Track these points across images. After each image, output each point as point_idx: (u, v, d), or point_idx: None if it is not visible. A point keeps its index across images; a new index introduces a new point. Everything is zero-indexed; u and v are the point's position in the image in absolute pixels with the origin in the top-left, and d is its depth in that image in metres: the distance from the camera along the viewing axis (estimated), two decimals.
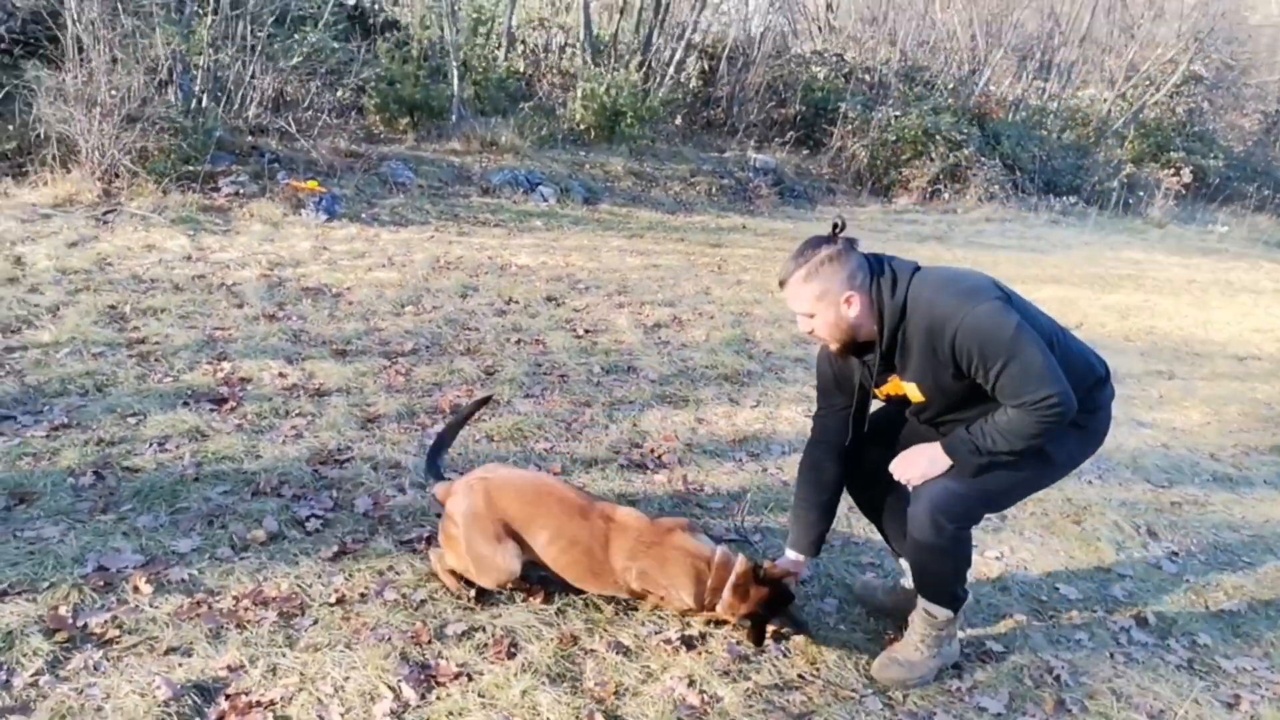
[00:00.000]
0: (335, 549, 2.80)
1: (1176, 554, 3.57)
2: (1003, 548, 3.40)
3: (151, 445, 3.27)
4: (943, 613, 2.49)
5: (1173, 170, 16.53)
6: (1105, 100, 18.05)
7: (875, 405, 2.53)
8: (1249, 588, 3.35)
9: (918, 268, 2.25)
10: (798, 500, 2.61)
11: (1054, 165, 15.69)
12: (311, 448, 3.42)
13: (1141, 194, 15.93)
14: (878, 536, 3.26)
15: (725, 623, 2.62)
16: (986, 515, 2.49)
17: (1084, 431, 2.34)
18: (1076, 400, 2.12)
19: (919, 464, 2.32)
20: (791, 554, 2.60)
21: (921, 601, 2.52)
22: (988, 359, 2.09)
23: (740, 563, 2.53)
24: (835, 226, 2.25)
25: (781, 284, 2.26)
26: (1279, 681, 2.77)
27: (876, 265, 2.24)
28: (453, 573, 2.63)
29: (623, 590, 2.60)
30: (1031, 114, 17.24)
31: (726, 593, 2.51)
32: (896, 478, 2.37)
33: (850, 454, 2.54)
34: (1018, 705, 2.49)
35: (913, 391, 2.28)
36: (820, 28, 19.03)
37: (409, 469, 3.35)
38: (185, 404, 3.64)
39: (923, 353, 2.18)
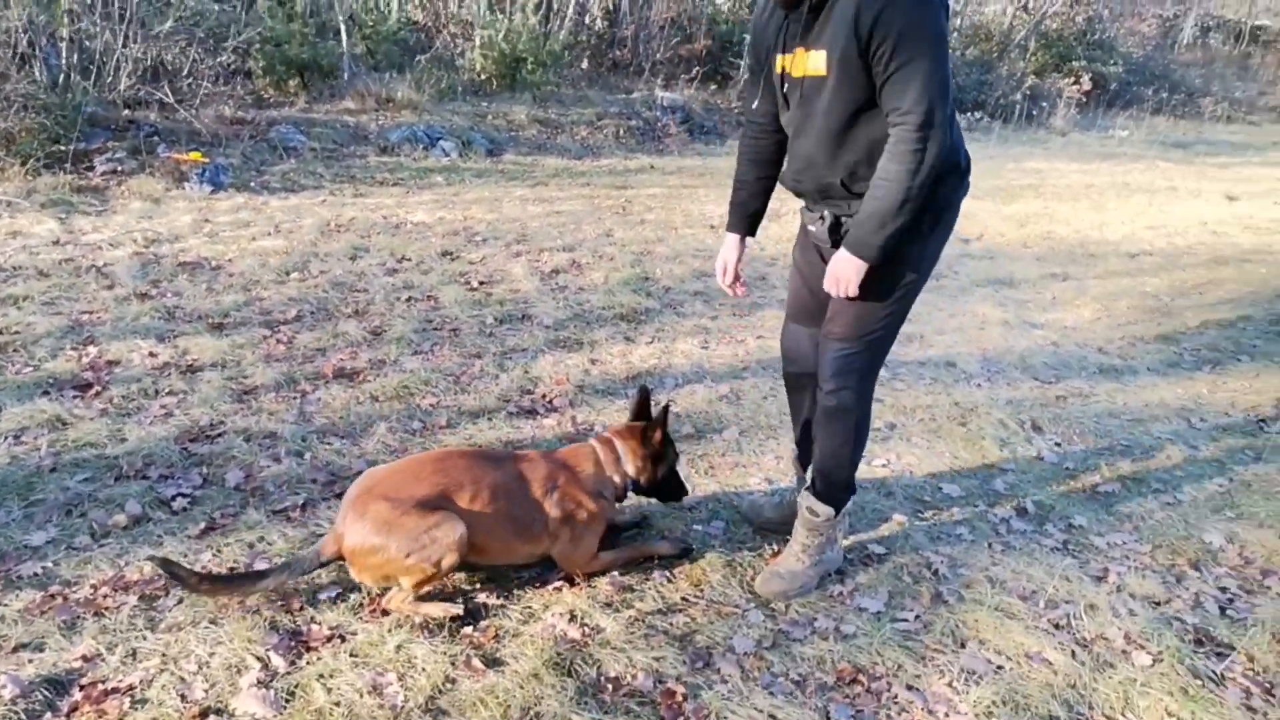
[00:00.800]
0: (203, 526, 2.71)
1: (1059, 445, 3.68)
2: (889, 455, 3.46)
3: (6, 439, 3.12)
4: (825, 509, 2.54)
5: (1073, 79, 16.79)
6: (1007, 14, 18.19)
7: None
8: (1124, 468, 3.47)
9: None
10: (735, 183, 2.62)
11: (958, 82, 15.80)
12: (181, 426, 3.29)
13: (1044, 104, 16.17)
14: (765, 459, 3.29)
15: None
16: (881, 371, 2.55)
17: (938, 228, 2.30)
18: (936, 176, 2.09)
19: (843, 271, 2.22)
20: (730, 236, 2.63)
21: (804, 500, 2.57)
22: (900, 47, 1.99)
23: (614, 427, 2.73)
24: None
25: None
26: (1145, 552, 2.88)
27: None
28: (421, 598, 2.37)
29: (545, 539, 2.50)
30: None
31: (627, 453, 2.63)
32: (833, 294, 2.29)
33: (790, 346, 2.66)
34: (896, 602, 2.55)
35: (816, 62, 2.14)
36: None
37: (285, 438, 3.26)
38: (45, 393, 3.47)
39: (844, 20, 2.04)
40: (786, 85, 2.28)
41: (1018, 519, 3.06)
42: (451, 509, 2.34)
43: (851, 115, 2.14)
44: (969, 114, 15.05)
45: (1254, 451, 3.73)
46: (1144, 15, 22.50)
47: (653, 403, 2.75)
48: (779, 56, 2.27)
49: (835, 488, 2.56)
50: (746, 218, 2.61)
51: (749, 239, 2.66)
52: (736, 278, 2.65)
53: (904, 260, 2.26)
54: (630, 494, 2.69)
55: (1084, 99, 16.81)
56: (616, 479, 2.63)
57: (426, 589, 2.37)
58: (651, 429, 2.65)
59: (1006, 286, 6.05)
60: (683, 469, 3.20)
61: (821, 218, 2.36)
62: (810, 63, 2.15)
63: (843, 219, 2.31)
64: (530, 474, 2.50)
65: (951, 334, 4.96)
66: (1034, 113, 15.99)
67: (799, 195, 2.44)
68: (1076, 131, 15.65)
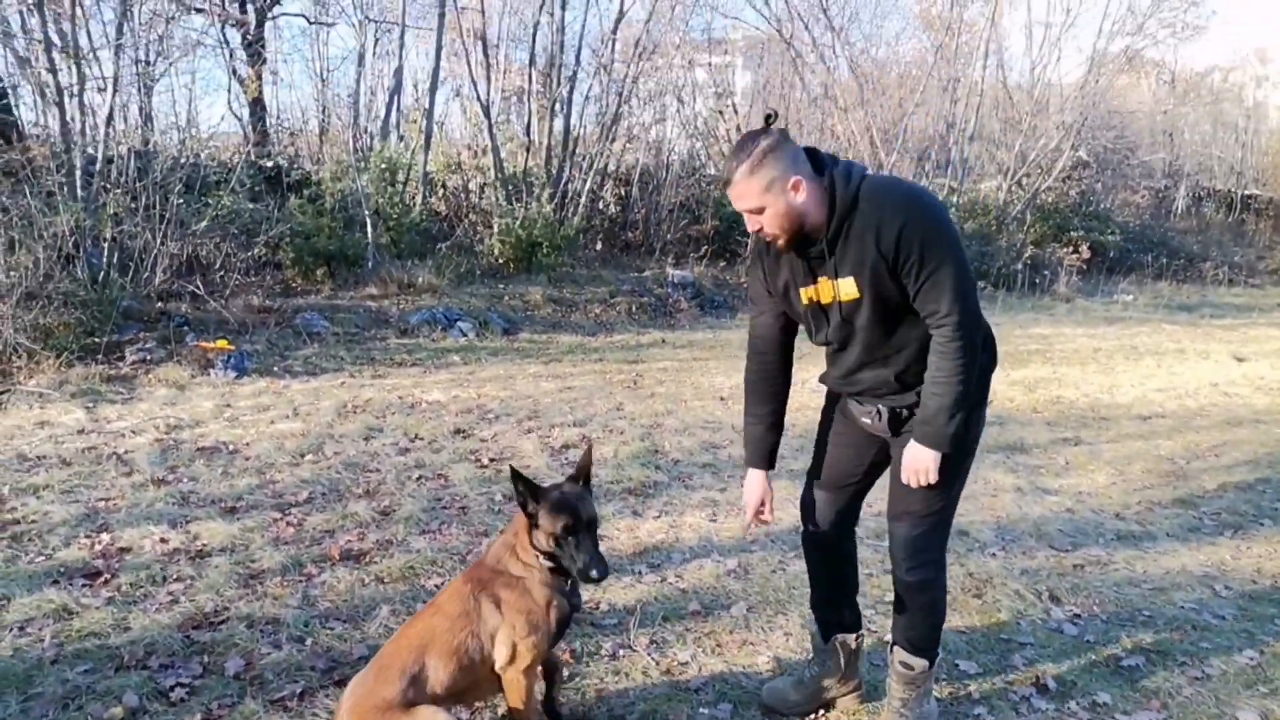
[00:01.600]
0: (199, 717, 2.66)
1: (1079, 616, 3.57)
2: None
3: (11, 630, 3.11)
4: (920, 662, 2.58)
5: (1072, 248, 17.33)
6: (1002, 190, 19.04)
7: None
8: (1148, 640, 3.35)
9: (867, 170, 2.31)
10: (748, 417, 2.66)
11: None
12: (185, 613, 3.28)
13: (1046, 272, 16.62)
14: (774, 636, 3.22)
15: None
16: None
17: (982, 403, 2.45)
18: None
19: (921, 463, 2.34)
20: (755, 473, 2.67)
21: (898, 655, 2.61)
22: (926, 257, 2.14)
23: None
24: (768, 118, 2.24)
25: (726, 185, 2.24)
26: None
27: (829, 158, 2.27)
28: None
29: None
30: None
31: (523, 533, 2.39)
32: (913, 484, 2.38)
33: (814, 510, 2.68)
34: None
35: (848, 288, 2.27)
36: (730, 146, 19.94)
37: (288, 623, 3.23)
38: (55, 582, 3.49)
39: (864, 244, 2.19)
40: (819, 312, 2.40)
41: (1039, 696, 2.94)
42: (425, 696, 2.26)
43: (894, 325, 2.31)
44: None
45: None
46: (1136, 187, 23.46)
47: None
48: (802, 290, 2.39)
49: (927, 642, 2.60)
50: (767, 452, 2.65)
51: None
52: (770, 511, 2.71)
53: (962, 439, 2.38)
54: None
55: (1084, 266, 17.28)
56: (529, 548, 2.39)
57: None
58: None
59: (1018, 452, 6.04)
60: (689, 648, 3.15)
61: (878, 411, 2.46)
62: (842, 290, 2.29)
63: (900, 410, 2.43)
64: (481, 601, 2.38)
65: (963, 502, 4.86)
66: (1036, 280, 16.42)
67: (847, 395, 2.57)
68: (1080, 297, 15.99)
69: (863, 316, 2.30)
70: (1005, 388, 7.91)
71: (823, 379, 2.62)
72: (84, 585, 3.50)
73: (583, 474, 2.45)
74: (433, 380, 7.57)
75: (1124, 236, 19.66)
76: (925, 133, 20.36)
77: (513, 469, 2.39)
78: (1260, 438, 6.64)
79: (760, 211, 2.22)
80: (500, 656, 2.34)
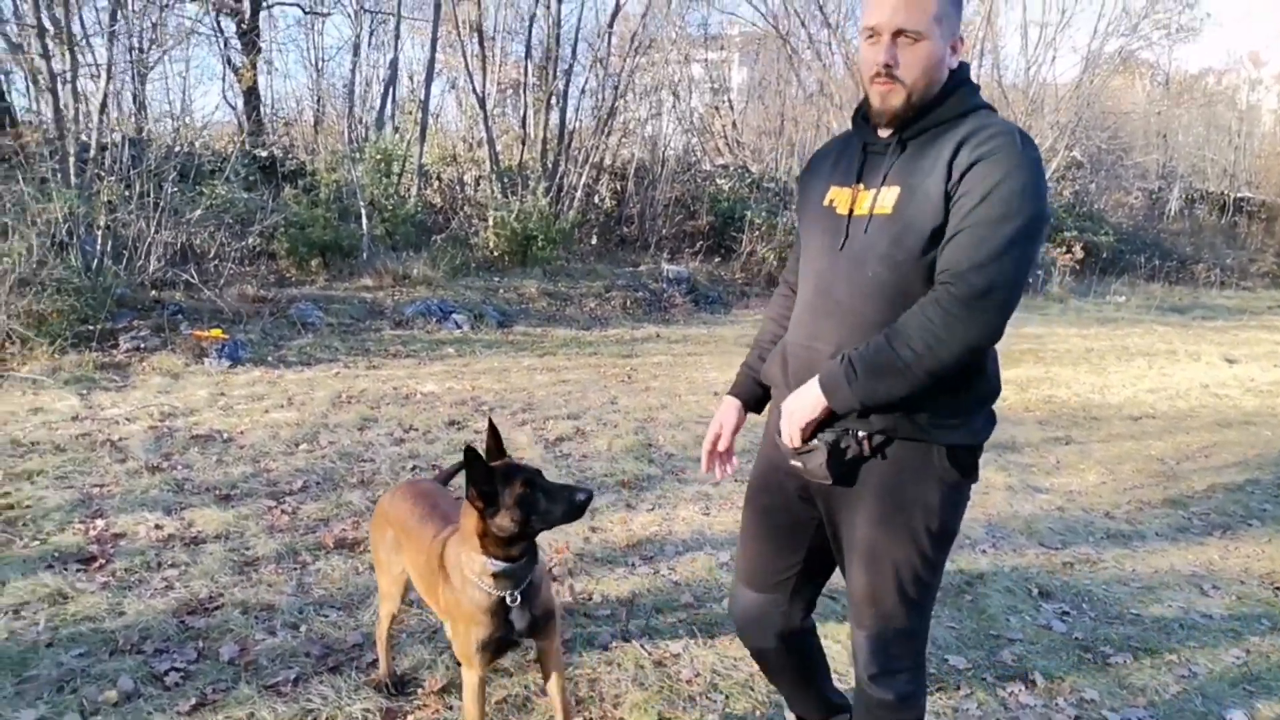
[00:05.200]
0: (194, 701, 2.67)
1: (1068, 613, 3.60)
2: None
3: (5, 614, 3.12)
4: None
5: (1066, 249, 17.41)
6: None
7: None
8: (1136, 639, 3.38)
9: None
10: (756, 343, 2.19)
11: None
12: (180, 599, 3.29)
13: (1039, 272, 16.68)
14: None
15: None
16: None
17: (971, 475, 1.93)
18: (972, 390, 1.81)
19: (798, 405, 1.79)
20: (730, 400, 2.18)
21: None
22: (990, 198, 1.63)
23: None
24: None
25: None
26: None
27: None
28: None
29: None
30: None
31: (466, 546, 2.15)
32: (783, 431, 1.83)
33: (745, 620, 2.18)
34: None
35: (886, 199, 1.76)
36: (725, 142, 19.95)
37: (282, 610, 3.24)
38: (49, 567, 3.49)
39: (938, 156, 1.71)
40: (833, 222, 1.86)
41: (1027, 692, 2.97)
42: None
43: (911, 273, 1.74)
44: None
45: (1270, 620, 3.63)
46: (1129, 188, 23.57)
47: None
48: (833, 188, 1.90)
49: None
50: (754, 384, 2.15)
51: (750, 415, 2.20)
52: (729, 450, 2.17)
53: (941, 503, 1.86)
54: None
55: (1078, 267, 17.36)
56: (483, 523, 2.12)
57: None
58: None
59: (1009, 451, 6.07)
60: (681, 639, 3.17)
61: (821, 441, 1.82)
62: (880, 200, 1.77)
63: (846, 443, 1.81)
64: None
65: None
66: (1030, 280, 16.46)
67: (779, 385, 1.96)
68: (1074, 298, 16.06)
69: (881, 245, 1.75)
70: None
71: (766, 371, 2.07)
72: (79, 570, 3.50)
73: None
74: (427, 372, 7.57)
75: (1117, 237, 19.75)
76: None
77: (469, 448, 2.05)
78: (1249, 439, 6.69)
79: (916, 40, 1.70)
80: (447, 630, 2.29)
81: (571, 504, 2.10)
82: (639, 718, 2.72)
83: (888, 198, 1.76)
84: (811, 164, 2.04)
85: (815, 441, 1.81)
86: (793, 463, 1.86)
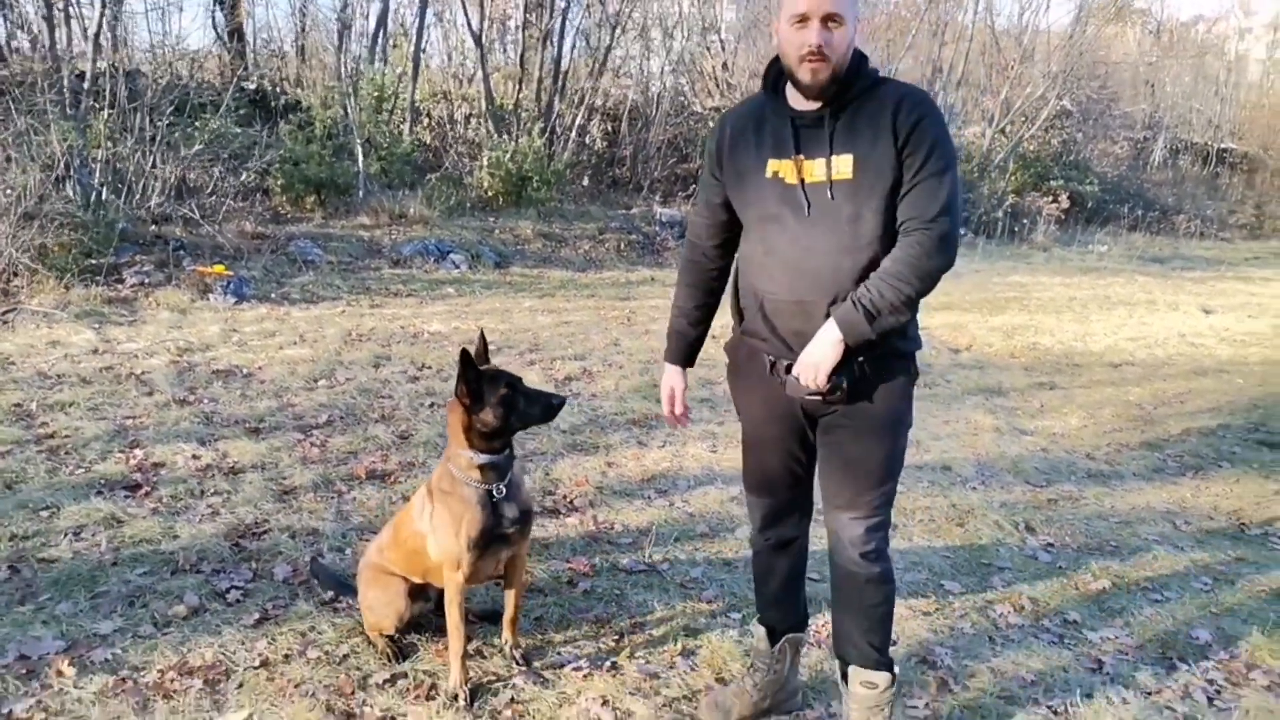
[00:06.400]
0: (257, 616, 2.90)
1: (1052, 545, 3.90)
2: (892, 554, 3.66)
3: (67, 536, 3.32)
4: (883, 677, 2.29)
5: (1052, 198, 17.61)
6: (986, 136, 19.19)
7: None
8: (1114, 568, 3.68)
9: None
10: (675, 310, 2.48)
11: None
12: (229, 524, 3.50)
13: (1025, 221, 16.91)
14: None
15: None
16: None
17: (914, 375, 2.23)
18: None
19: (821, 354, 2.04)
20: (671, 368, 2.52)
21: (859, 676, 2.31)
22: (933, 155, 1.97)
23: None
24: None
25: None
26: (1136, 645, 3.08)
27: None
28: None
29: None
30: None
31: (454, 444, 2.48)
32: (803, 379, 2.07)
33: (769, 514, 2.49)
34: (906, 690, 2.72)
35: (842, 166, 2.02)
36: (717, 84, 19.84)
37: (327, 535, 3.46)
38: (99, 493, 3.69)
39: (876, 120, 2.00)
40: (780, 193, 2.10)
41: (1015, 614, 3.26)
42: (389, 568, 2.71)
43: (877, 223, 2.02)
44: None
45: (1235, 552, 3.95)
46: (1115, 138, 23.72)
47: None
48: (770, 162, 2.12)
49: (886, 646, 2.33)
50: (687, 346, 2.49)
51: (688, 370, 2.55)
52: (685, 408, 2.56)
53: (905, 397, 2.20)
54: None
55: (1063, 216, 17.59)
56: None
57: None
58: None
59: (996, 395, 6.36)
60: (700, 565, 3.42)
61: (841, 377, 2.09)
62: (835, 168, 2.03)
63: (859, 375, 2.11)
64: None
65: (946, 439, 5.23)
66: (1015, 229, 16.71)
67: (768, 337, 2.22)
68: (1058, 247, 16.32)
69: (849, 206, 2.02)
70: (985, 333, 8.22)
71: (746, 326, 2.30)
72: (126, 497, 3.70)
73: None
74: (430, 311, 7.73)
75: (1101, 187, 19.98)
76: (912, 76, 20.35)
77: (464, 350, 2.37)
78: (1223, 387, 7.01)
79: (841, 24, 1.97)
80: (433, 554, 2.56)
81: (547, 406, 2.47)
82: (664, 630, 2.98)
83: (843, 165, 2.03)
84: (732, 135, 2.23)
85: (836, 378, 2.08)
86: (808, 398, 2.13)
